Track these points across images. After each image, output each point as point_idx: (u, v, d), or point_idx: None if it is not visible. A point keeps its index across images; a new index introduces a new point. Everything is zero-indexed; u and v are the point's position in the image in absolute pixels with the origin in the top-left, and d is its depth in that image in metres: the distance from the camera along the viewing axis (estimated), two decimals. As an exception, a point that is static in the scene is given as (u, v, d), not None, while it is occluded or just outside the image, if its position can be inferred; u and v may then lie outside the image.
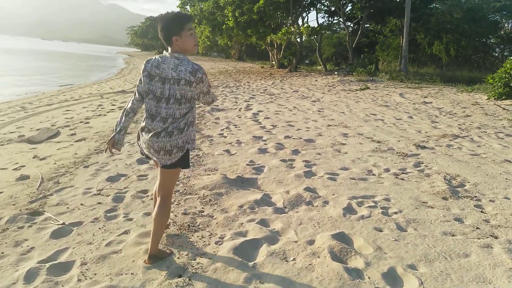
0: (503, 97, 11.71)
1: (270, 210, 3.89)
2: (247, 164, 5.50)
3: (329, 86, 18.57)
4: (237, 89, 17.70)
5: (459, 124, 8.84)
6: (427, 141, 7.07)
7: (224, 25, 31.16)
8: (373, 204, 4.09)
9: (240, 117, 9.87)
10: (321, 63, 30.10)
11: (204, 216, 3.76)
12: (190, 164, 3.58)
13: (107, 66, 41.64)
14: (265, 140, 7.10)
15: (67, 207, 3.91)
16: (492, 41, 37.16)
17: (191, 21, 2.65)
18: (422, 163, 5.69)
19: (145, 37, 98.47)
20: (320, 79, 22.47)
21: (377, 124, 8.82)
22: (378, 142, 6.98)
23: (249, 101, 13.25)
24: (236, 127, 8.48)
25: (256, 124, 8.76)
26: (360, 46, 33.81)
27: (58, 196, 4.23)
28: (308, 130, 8.05)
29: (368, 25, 35.77)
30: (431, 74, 23.98)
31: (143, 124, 2.81)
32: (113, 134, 2.92)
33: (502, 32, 35.95)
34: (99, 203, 4.03)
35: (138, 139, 2.95)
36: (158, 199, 2.89)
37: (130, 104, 2.89)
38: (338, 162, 5.67)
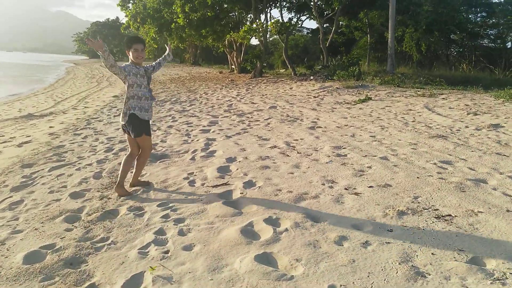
0: None
1: None
2: None
3: (314, 96, 13.92)
4: (190, 105, 12.67)
5: None
6: None
7: (173, 24, 25.60)
8: None
9: (193, 184, 4.82)
10: (288, 66, 25.38)
11: None
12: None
13: (42, 77, 35.04)
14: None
15: None
16: (453, 36, 33.99)
17: (139, 43, 4.13)
18: None
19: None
20: (295, 86, 17.84)
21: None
22: None
23: (208, 130, 8.28)
24: (183, 243, 3.49)
25: (233, 222, 3.77)
26: (334, 45, 29.42)
27: None
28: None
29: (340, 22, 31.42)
30: (434, 75, 19.76)
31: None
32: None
33: (468, 27, 32.76)
34: None
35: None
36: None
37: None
38: None
